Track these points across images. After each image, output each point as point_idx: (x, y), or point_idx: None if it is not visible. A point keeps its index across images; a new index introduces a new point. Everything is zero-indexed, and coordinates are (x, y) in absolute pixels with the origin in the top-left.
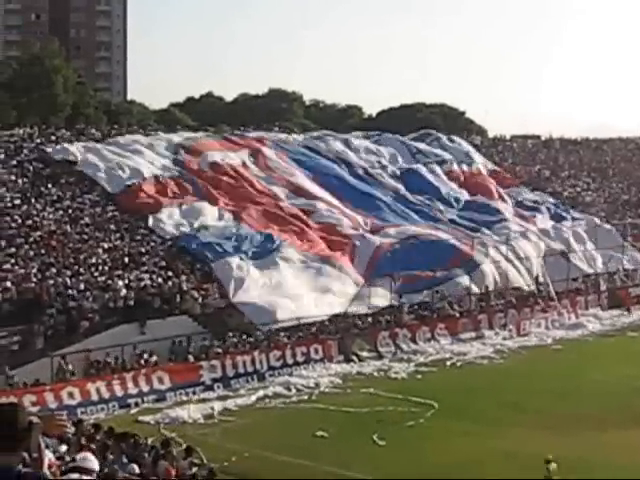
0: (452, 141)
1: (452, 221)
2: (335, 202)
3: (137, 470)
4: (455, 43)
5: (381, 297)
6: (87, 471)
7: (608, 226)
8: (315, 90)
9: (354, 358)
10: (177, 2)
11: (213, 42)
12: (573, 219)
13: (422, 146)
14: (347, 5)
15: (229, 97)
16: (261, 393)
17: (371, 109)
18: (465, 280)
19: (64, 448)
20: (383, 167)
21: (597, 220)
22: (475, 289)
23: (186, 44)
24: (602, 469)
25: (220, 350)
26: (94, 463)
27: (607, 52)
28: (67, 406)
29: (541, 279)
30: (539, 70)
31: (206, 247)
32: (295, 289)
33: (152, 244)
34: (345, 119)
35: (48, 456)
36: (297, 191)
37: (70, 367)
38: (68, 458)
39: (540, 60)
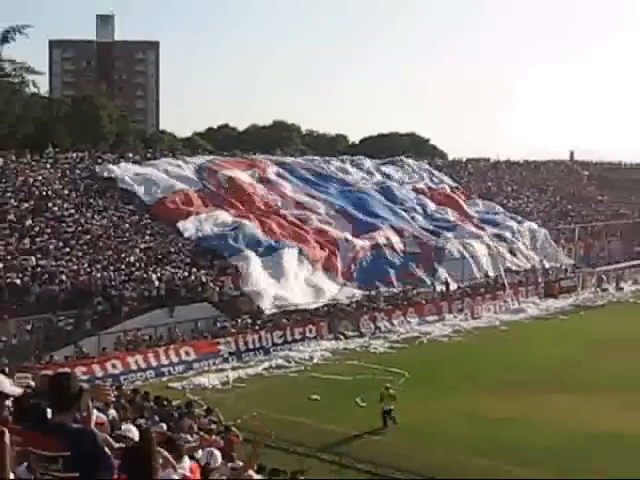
0: (419, 166)
1: (420, 227)
2: (323, 211)
3: (165, 428)
4: (424, 82)
5: (358, 289)
6: (128, 440)
7: (544, 230)
8: (311, 121)
9: (341, 336)
10: (199, 52)
11: (228, 83)
12: (517, 224)
13: (395, 167)
14: (336, 54)
15: (241, 127)
16: (266, 364)
17: (355, 137)
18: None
19: (113, 412)
20: (364, 183)
21: (535, 226)
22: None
23: (206, 85)
24: (540, 425)
25: (234, 330)
26: (135, 434)
27: (545, 91)
28: (111, 375)
29: (492, 273)
30: (491, 105)
31: (223, 247)
32: (293, 282)
33: (179, 245)
34: (334, 145)
35: (96, 415)
36: (292, 202)
37: (126, 339)
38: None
39: (492, 98)
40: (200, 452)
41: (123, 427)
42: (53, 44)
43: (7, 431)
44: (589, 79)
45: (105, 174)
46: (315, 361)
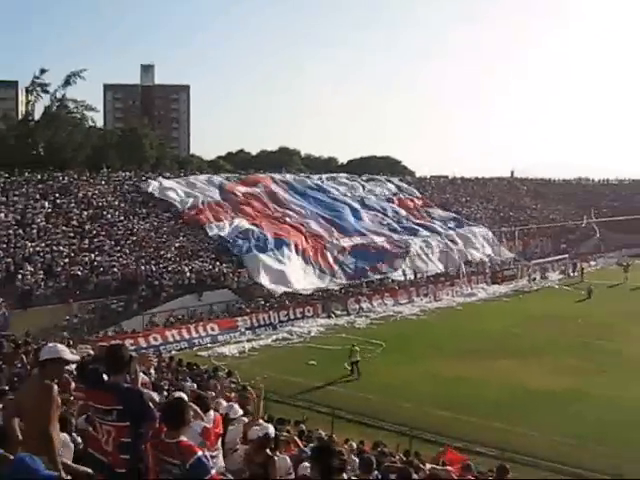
0: (392, 181)
1: (394, 230)
2: (316, 217)
3: (195, 387)
4: (397, 113)
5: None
6: (155, 403)
7: (490, 232)
8: (308, 147)
9: (332, 315)
10: (221, 93)
11: (244, 115)
12: (469, 227)
13: (375, 183)
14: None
15: (254, 152)
16: (274, 337)
17: (343, 159)
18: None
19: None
20: (350, 196)
21: (483, 228)
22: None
23: (227, 118)
24: (489, 383)
25: (249, 310)
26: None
27: (487, 120)
28: (152, 346)
29: (450, 266)
30: (447, 129)
31: (239, 246)
32: (296, 273)
33: (206, 244)
34: (327, 166)
35: (143, 377)
36: (292, 210)
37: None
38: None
39: (446, 122)
40: (224, 404)
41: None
42: (107, 87)
43: (55, 387)
44: (521, 109)
45: (147, 189)
46: (312, 334)
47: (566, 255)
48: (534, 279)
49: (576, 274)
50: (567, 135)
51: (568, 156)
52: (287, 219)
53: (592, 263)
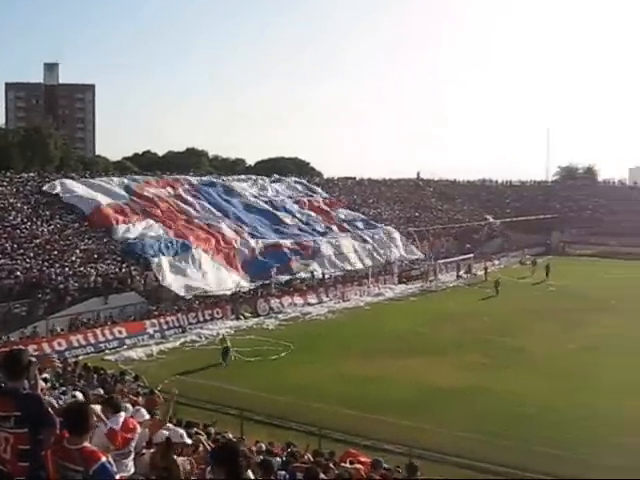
0: (300, 182)
1: (302, 230)
2: (225, 219)
3: (102, 392)
4: (304, 114)
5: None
6: (55, 408)
7: (397, 232)
8: (216, 147)
9: (241, 317)
10: (126, 92)
11: (150, 116)
12: (376, 228)
13: (283, 184)
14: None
15: (161, 153)
16: (183, 340)
17: (251, 160)
18: (314, 267)
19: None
20: (258, 197)
21: (391, 229)
22: (318, 272)
23: (133, 117)
24: (396, 382)
25: (156, 312)
26: (79, 397)
27: (395, 121)
28: (58, 351)
29: (357, 266)
30: (355, 131)
31: (146, 248)
32: (204, 275)
33: (112, 246)
34: (235, 167)
35: (41, 384)
36: (200, 212)
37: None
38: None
39: (354, 124)
40: (130, 408)
41: (70, 393)
42: (8, 86)
43: None
44: (427, 112)
45: (52, 190)
46: (221, 337)
47: (471, 255)
48: (440, 279)
49: (480, 273)
50: (471, 138)
51: (472, 158)
52: (195, 221)
53: (496, 262)
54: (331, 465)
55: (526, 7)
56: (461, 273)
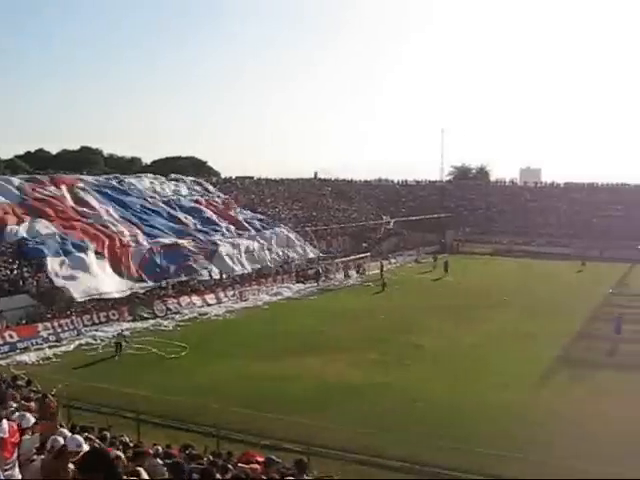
0: (194, 181)
1: (200, 230)
2: (117, 221)
3: None
4: (202, 113)
5: (151, 280)
6: None
7: (295, 232)
8: (112, 146)
9: (138, 318)
10: (17, 88)
11: (44, 112)
12: (274, 227)
13: (179, 183)
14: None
15: (54, 151)
16: (77, 343)
17: (147, 159)
18: (212, 267)
19: None
20: (155, 197)
21: (288, 228)
22: (215, 272)
23: (25, 114)
24: (295, 380)
25: (50, 315)
26: None
27: (290, 121)
28: None
29: (256, 265)
30: (253, 131)
31: (39, 249)
32: (99, 276)
33: (3, 248)
34: (131, 166)
35: None
36: (95, 212)
37: None
38: None
39: (251, 124)
40: (16, 413)
41: None
42: None
43: None
44: (323, 111)
45: None
46: (119, 332)
47: (368, 253)
48: (337, 277)
49: (376, 271)
50: (367, 137)
51: (369, 157)
52: (90, 221)
53: (392, 261)
54: (229, 466)
55: (422, 9)
56: (350, 272)
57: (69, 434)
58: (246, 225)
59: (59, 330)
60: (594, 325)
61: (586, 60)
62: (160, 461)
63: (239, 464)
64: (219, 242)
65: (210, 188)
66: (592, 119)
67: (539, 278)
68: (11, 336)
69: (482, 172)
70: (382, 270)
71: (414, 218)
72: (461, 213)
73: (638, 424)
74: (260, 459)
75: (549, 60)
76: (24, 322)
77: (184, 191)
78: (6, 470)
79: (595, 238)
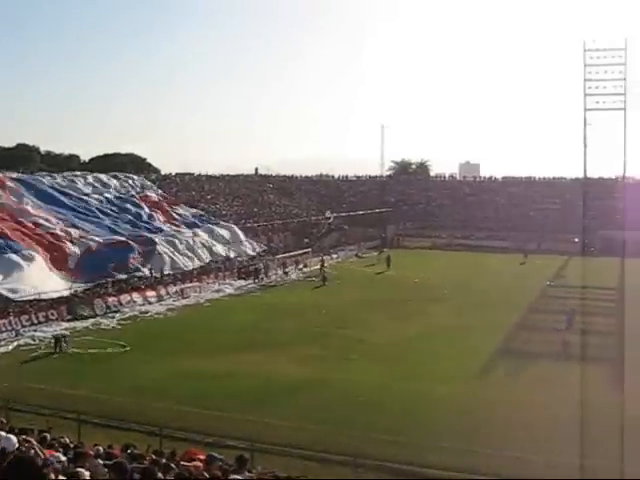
0: (133, 178)
1: (139, 228)
2: (54, 219)
3: None
4: (140, 109)
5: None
6: None
7: (236, 228)
8: (49, 143)
9: (78, 317)
10: None
11: None
12: (216, 224)
13: (117, 180)
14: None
15: None
16: (16, 343)
17: (85, 156)
18: (152, 265)
19: None
20: (93, 194)
21: (230, 224)
22: (156, 270)
23: None
24: (242, 378)
25: None
26: None
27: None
28: None
29: (197, 262)
30: (196, 128)
31: None
32: (34, 276)
33: None
34: (69, 163)
35: None
36: (30, 212)
37: None
38: None
39: (186, 120)
40: None
41: None
42: None
43: None
44: (262, 107)
45: None
46: (58, 332)
47: (309, 249)
48: (279, 273)
49: (317, 267)
50: (308, 133)
51: (310, 153)
52: (24, 221)
53: (334, 256)
54: (172, 464)
55: (356, 6)
56: (288, 269)
57: (4, 434)
58: (186, 222)
59: None
60: (533, 317)
61: (521, 58)
62: (101, 462)
63: (182, 462)
64: (158, 239)
65: (149, 185)
66: (529, 115)
67: (479, 271)
68: None
69: (422, 167)
70: (322, 265)
71: (355, 213)
72: (401, 208)
73: (572, 410)
74: (202, 457)
75: (487, 57)
76: None
77: (123, 188)
78: None
79: (533, 231)
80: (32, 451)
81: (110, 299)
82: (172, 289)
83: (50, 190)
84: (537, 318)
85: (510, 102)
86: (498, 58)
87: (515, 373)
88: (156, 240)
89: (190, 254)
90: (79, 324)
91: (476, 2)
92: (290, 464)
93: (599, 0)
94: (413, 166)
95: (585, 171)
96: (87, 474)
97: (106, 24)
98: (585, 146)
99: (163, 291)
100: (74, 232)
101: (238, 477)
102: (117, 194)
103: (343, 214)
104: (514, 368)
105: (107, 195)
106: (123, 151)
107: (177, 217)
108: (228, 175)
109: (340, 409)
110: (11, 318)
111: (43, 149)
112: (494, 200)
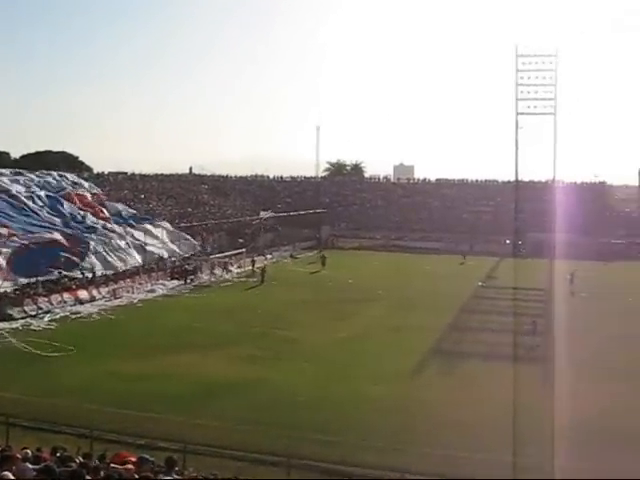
0: (66, 176)
1: (71, 227)
2: None
3: None
4: (76, 107)
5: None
6: None
7: (170, 228)
8: None
9: (7, 317)
10: None
11: None
12: (148, 223)
13: (49, 179)
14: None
15: None
16: None
17: (16, 154)
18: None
19: None
20: (24, 193)
21: (163, 224)
22: (87, 269)
23: None
24: (175, 379)
25: None
26: None
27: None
28: None
29: (129, 263)
30: (113, 124)
31: None
32: None
33: None
34: None
35: None
36: None
37: None
38: None
39: (112, 117)
40: None
41: None
42: None
43: None
44: (197, 108)
45: None
46: None
47: (243, 249)
48: (213, 273)
49: (251, 267)
50: (242, 133)
51: (245, 153)
52: None
53: (268, 256)
54: (101, 467)
55: (290, 9)
56: (221, 270)
57: None
58: (119, 221)
59: None
60: (465, 317)
61: (455, 62)
62: (30, 465)
63: (112, 465)
64: (90, 239)
65: (81, 183)
66: (463, 118)
67: (413, 272)
68: None
69: (357, 168)
70: (254, 266)
71: (290, 214)
72: (336, 209)
73: (504, 409)
74: (134, 459)
75: (421, 60)
76: None
77: (54, 187)
78: None
79: (465, 233)
80: None
81: (40, 299)
82: (104, 289)
83: None
84: (469, 318)
85: (444, 105)
86: (432, 61)
87: (447, 373)
88: (88, 239)
89: (123, 254)
90: (7, 325)
91: (410, 5)
92: (222, 465)
93: (531, 7)
94: (348, 167)
95: (517, 174)
96: (13, 478)
97: (31, 18)
98: (517, 149)
99: (95, 291)
100: (4, 231)
101: (167, 478)
102: (49, 192)
103: (278, 214)
104: (446, 368)
105: (39, 193)
106: (55, 149)
107: (110, 216)
108: (162, 174)
109: (275, 410)
110: None
111: None
112: (428, 202)
